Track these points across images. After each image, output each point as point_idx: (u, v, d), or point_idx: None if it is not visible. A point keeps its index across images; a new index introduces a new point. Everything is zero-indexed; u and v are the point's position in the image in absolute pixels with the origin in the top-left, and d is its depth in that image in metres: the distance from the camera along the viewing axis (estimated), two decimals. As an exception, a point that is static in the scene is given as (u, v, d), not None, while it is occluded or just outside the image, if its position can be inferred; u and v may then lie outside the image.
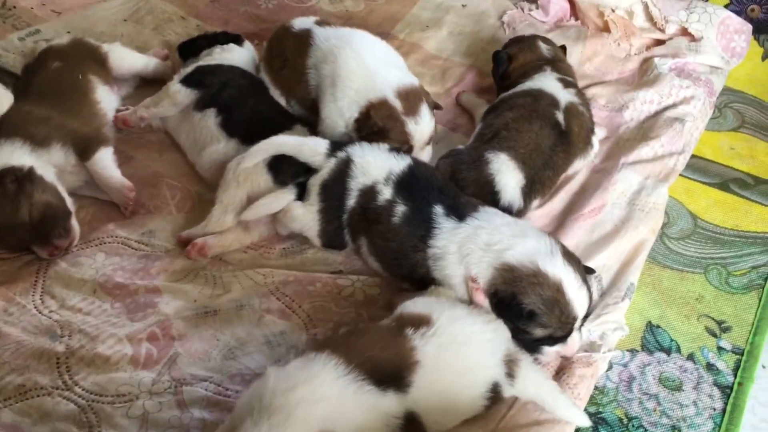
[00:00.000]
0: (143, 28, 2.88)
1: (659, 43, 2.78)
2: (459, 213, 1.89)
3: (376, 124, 2.13)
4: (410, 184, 1.96)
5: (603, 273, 2.04)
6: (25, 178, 1.98)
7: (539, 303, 1.73)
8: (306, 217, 2.03)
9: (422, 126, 2.17)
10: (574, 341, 1.79)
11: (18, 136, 2.07)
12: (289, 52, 2.35)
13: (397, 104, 2.15)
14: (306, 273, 2.05)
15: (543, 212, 2.22)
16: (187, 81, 2.31)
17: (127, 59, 2.53)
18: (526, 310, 1.73)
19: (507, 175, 2.07)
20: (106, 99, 2.37)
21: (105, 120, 2.33)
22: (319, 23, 2.39)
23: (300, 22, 2.41)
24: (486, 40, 2.89)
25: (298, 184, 2.05)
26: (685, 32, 2.75)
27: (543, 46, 2.45)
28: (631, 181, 2.26)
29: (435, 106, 2.26)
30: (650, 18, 2.78)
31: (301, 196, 2.04)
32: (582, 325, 1.81)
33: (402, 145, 2.15)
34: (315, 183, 2.04)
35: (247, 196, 2.08)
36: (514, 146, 2.10)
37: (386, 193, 1.95)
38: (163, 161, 2.36)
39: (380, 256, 1.99)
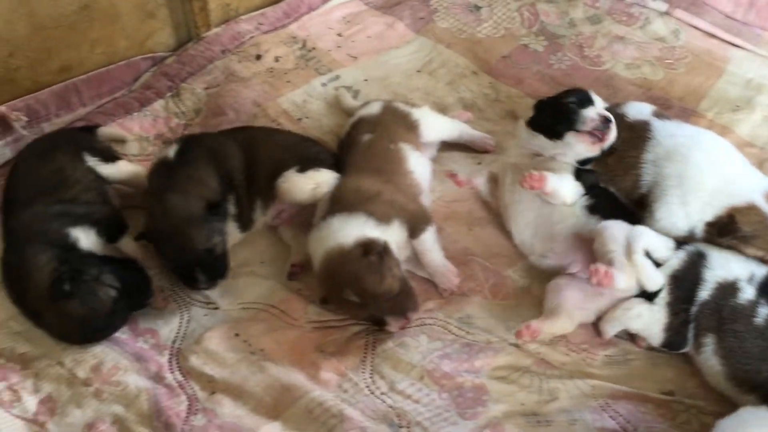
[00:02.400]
0: (437, 82, 2.87)
1: None
2: None
3: (742, 229, 2.00)
4: None
5: None
6: (384, 251, 2.00)
7: None
8: (652, 311, 1.96)
9: None
10: None
11: (360, 211, 2.08)
12: (620, 141, 2.24)
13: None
14: (636, 390, 1.95)
15: None
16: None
17: (436, 127, 2.50)
18: None
19: None
20: (419, 168, 2.34)
21: (420, 189, 2.31)
22: (658, 115, 2.26)
23: (635, 111, 2.30)
24: (808, 129, 2.64)
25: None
26: None
27: None
28: None
29: None
30: None
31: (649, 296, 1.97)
32: None
33: (766, 254, 2.01)
34: (663, 274, 1.97)
35: None
36: None
37: (749, 292, 1.89)
38: (472, 237, 2.33)
39: (729, 358, 1.89)
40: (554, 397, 1.95)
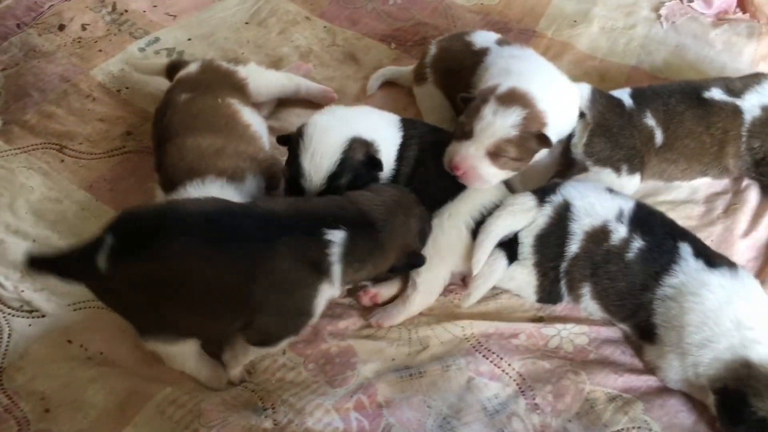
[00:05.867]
0: (268, 32, 2.65)
1: None
2: (709, 260, 1.76)
3: None
4: (646, 219, 1.83)
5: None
6: None
7: None
8: (523, 274, 1.88)
9: None
10: None
11: (209, 173, 1.85)
12: (466, 72, 2.14)
13: None
14: (506, 324, 1.89)
15: (748, 243, 2.03)
16: None
17: (268, 84, 2.28)
18: (757, 415, 1.58)
19: None
20: (255, 121, 2.12)
21: (262, 144, 2.09)
22: (501, 42, 2.17)
23: (482, 39, 2.20)
24: (643, 35, 2.63)
25: (504, 245, 1.87)
26: None
27: None
28: None
29: None
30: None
31: (511, 256, 1.87)
32: None
33: None
34: (528, 235, 1.88)
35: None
36: None
37: (621, 231, 1.80)
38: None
39: (604, 299, 1.84)
40: (425, 345, 1.85)
